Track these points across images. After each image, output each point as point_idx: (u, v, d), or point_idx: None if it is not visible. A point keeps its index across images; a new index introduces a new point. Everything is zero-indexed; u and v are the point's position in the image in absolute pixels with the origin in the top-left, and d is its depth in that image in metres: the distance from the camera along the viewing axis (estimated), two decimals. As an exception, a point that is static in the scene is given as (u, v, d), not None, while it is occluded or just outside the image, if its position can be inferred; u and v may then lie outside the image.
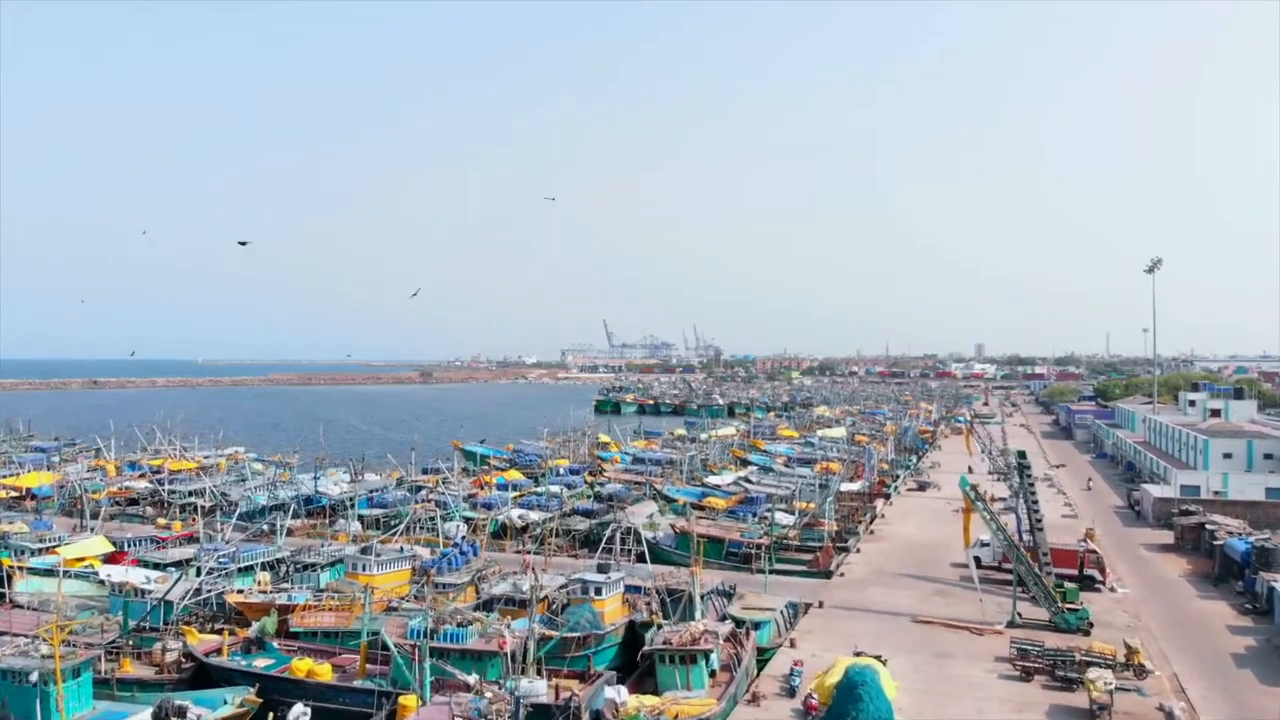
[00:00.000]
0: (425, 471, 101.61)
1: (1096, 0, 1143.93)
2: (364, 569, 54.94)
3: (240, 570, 58.41)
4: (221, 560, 58.25)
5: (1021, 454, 61.59)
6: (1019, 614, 52.82)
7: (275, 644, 45.01)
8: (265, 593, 53.14)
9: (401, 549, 58.09)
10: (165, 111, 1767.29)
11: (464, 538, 59.79)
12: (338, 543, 68.88)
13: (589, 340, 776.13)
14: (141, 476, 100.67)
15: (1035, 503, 60.09)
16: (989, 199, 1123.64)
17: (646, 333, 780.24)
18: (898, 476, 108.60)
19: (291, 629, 46.49)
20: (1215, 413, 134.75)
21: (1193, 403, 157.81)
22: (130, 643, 45.54)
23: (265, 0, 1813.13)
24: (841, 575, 62.44)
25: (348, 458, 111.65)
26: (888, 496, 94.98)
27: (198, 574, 55.62)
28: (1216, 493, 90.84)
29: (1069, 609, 52.09)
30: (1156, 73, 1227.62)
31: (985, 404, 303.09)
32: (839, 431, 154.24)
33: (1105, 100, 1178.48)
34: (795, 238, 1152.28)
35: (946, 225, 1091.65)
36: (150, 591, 52.28)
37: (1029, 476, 60.56)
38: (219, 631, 47.92)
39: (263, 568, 59.54)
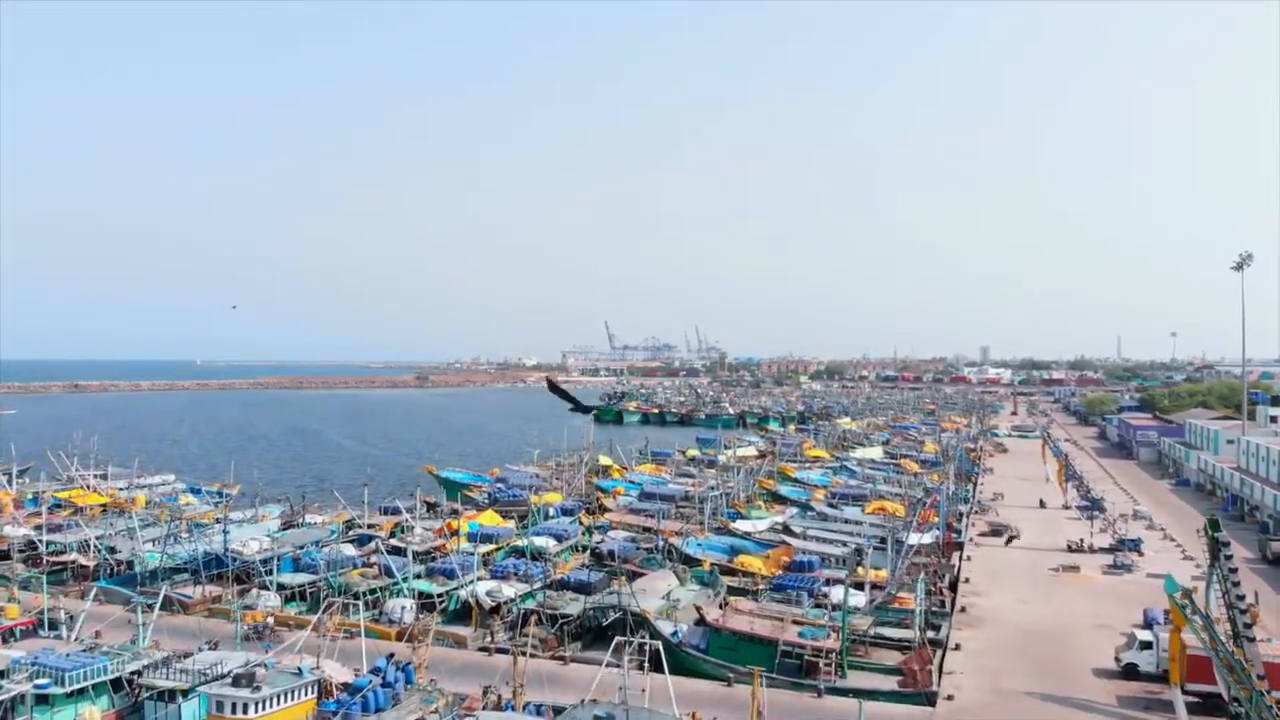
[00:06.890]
0: (384, 511, 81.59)
1: (1097, 1, 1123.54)
2: (237, 710, 35.67)
3: (70, 695, 39.39)
4: (39, 684, 39.05)
5: (1214, 523, 42.16)
6: (1250, 787, 33.79)
7: None
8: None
9: (300, 669, 38.65)
10: (166, 111, 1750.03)
11: (396, 662, 39.65)
12: (228, 639, 49.48)
13: (590, 342, 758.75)
14: (34, 516, 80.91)
15: (1241, 597, 40.93)
16: (989, 200, 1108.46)
17: (648, 334, 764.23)
18: (961, 515, 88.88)
19: None
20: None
21: (1274, 418, 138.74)
22: None
23: (265, 0, 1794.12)
24: (950, 699, 42.75)
25: (285, 493, 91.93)
26: (960, 547, 75.66)
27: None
28: (1376, 545, 71.99)
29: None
30: (1157, 73, 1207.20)
31: (1014, 413, 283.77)
32: (875, 451, 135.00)
33: (1106, 100, 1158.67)
34: (796, 238, 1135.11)
35: (947, 226, 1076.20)
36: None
37: (1228, 556, 41.36)
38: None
39: (104, 689, 40.42)
